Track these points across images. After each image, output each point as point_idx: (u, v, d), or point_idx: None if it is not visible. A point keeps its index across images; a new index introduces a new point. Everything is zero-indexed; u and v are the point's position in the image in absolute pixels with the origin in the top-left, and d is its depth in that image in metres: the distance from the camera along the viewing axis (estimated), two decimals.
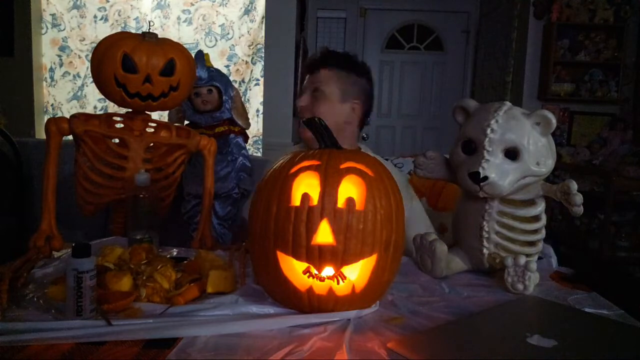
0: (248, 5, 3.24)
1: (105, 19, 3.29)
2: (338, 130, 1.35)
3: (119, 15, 3.29)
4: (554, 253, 1.23)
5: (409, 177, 1.64)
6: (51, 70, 3.32)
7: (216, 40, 3.28)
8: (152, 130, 1.35)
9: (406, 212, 0.93)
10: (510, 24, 3.96)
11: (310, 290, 0.84)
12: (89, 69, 3.27)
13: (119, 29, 3.24)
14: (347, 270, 0.84)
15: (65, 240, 1.19)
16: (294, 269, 0.85)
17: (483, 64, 4.62)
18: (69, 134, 1.26)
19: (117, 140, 1.32)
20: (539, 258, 1.15)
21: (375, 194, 0.85)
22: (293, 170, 0.87)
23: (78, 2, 3.26)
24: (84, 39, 3.29)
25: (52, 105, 3.35)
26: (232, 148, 1.78)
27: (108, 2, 3.28)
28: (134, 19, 3.28)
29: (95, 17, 3.28)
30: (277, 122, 3.18)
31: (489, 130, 1.01)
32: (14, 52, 3.24)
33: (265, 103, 3.20)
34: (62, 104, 3.34)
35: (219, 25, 3.28)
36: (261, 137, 3.24)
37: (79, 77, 3.33)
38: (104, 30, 3.23)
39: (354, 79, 1.42)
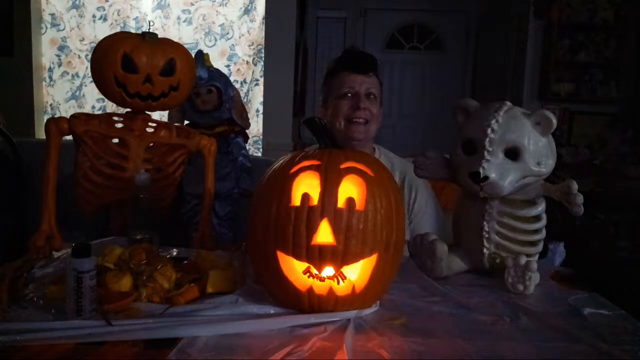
0: (248, 5, 3.23)
1: (104, 18, 3.28)
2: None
3: (118, 14, 3.27)
4: (562, 251, 1.22)
5: None
6: (50, 70, 3.31)
7: (216, 40, 3.28)
8: (152, 130, 1.35)
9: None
10: (510, 24, 3.96)
11: (310, 290, 0.84)
12: (88, 69, 3.28)
13: (118, 29, 3.22)
14: (347, 270, 0.84)
15: (65, 240, 1.19)
16: (294, 269, 0.85)
17: (483, 64, 4.61)
18: (69, 134, 1.26)
19: (117, 140, 1.31)
20: (544, 254, 1.14)
21: (375, 193, 0.85)
22: (293, 170, 0.87)
23: (77, 2, 3.25)
24: (83, 39, 3.28)
25: (50, 105, 3.34)
26: (232, 148, 1.78)
27: (107, 1, 3.27)
28: (133, 19, 3.28)
29: (94, 16, 3.27)
30: (277, 122, 3.18)
31: (489, 130, 1.01)
32: (14, 52, 3.23)
33: (265, 103, 3.19)
34: (59, 104, 3.33)
35: (219, 25, 3.27)
36: (261, 137, 3.24)
37: (78, 77, 3.32)
38: (103, 30, 3.21)
39: (380, 81, 1.48)
